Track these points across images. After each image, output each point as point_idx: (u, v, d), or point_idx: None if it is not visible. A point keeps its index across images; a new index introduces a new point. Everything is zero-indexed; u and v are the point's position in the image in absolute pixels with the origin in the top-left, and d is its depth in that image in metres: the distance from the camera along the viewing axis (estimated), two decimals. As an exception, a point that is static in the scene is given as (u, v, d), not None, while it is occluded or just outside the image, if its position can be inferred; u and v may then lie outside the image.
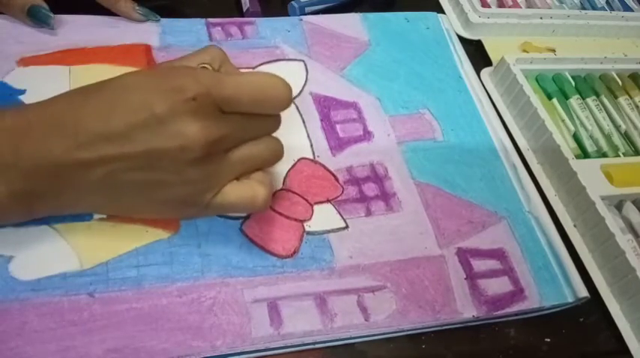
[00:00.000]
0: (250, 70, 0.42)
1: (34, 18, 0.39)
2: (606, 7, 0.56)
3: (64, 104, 0.27)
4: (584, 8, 0.56)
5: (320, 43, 0.45)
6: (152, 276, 0.31)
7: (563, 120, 0.45)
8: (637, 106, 0.48)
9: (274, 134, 0.31)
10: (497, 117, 0.45)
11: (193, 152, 0.27)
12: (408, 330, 0.32)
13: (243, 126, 0.29)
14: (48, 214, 0.30)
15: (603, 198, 0.38)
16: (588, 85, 0.48)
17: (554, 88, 0.47)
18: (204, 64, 0.31)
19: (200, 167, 0.28)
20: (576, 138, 0.45)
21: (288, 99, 0.29)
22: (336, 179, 0.38)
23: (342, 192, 0.37)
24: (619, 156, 0.44)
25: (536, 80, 0.48)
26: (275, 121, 0.31)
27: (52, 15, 0.39)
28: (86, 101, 0.27)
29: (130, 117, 0.26)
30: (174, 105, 0.26)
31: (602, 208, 0.37)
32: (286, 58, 0.44)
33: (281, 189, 0.36)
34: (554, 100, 0.46)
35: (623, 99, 0.48)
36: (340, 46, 0.46)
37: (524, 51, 0.50)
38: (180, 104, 0.26)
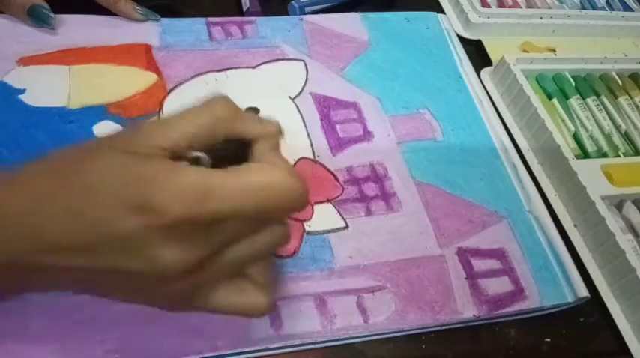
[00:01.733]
0: (250, 69, 0.42)
1: (35, 17, 0.39)
2: (606, 7, 0.56)
3: (28, 198, 0.22)
4: (584, 8, 0.56)
5: (320, 43, 0.45)
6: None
7: (563, 120, 0.45)
8: (637, 106, 0.48)
9: None
10: (497, 117, 0.45)
11: (169, 275, 0.22)
12: (407, 331, 0.32)
13: (240, 233, 0.23)
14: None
15: (603, 198, 0.38)
16: (588, 84, 0.48)
17: (554, 87, 0.47)
18: (202, 137, 0.24)
19: (181, 281, 0.23)
20: (576, 138, 0.45)
21: (302, 205, 0.24)
22: (336, 179, 0.38)
23: (342, 191, 0.37)
24: (619, 156, 0.44)
25: (536, 80, 0.48)
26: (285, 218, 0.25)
27: (52, 15, 0.39)
28: (50, 201, 0.22)
29: (95, 230, 0.21)
30: (145, 230, 0.21)
31: (602, 208, 0.37)
32: (286, 57, 0.44)
33: (281, 189, 0.36)
34: (554, 100, 0.46)
35: (623, 99, 0.48)
36: (340, 46, 0.45)
37: (524, 51, 0.50)
38: (153, 230, 0.21)
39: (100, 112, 0.37)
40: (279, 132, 0.26)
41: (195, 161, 0.23)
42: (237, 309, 0.25)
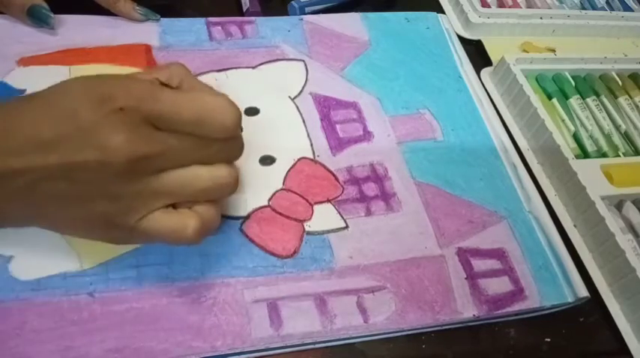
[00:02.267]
0: (250, 69, 0.42)
1: (34, 18, 0.39)
2: (606, 7, 0.56)
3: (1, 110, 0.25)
4: (584, 8, 0.56)
5: (320, 43, 0.45)
6: (152, 276, 0.31)
7: (563, 120, 0.45)
8: (637, 106, 0.48)
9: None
10: (497, 117, 0.45)
11: (114, 166, 0.24)
12: (407, 331, 0.32)
13: (182, 148, 0.26)
14: None
15: (603, 198, 0.38)
16: (588, 84, 0.48)
17: (554, 87, 0.47)
18: (158, 79, 0.28)
19: (124, 184, 0.25)
20: (576, 138, 0.45)
21: (232, 125, 0.27)
22: (336, 179, 0.38)
23: (342, 191, 0.37)
24: (619, 156, 0.44)
25: (536, 80, 0.48)
26: (228, 147, 0.28)
27: (52, 15, 0.39)
28: (22, 107, 0.25)
29: (58, 126, 0.24)
30: (100, 115, 0.24)
31: (602, 208, 0.37)
32: (286, 57, 0.44)
33: (281, 189, 0.36)
34: (554, 100, 0.46)
35: (623, 99, 0.48)
36: (340, 46, 0.46)
37: (524, 51, 0.50)
38: (106, 114, 0.24)
39: (100, 112, 0.37)
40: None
41: None
42: (170, 229, 0.27)
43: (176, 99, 0.26)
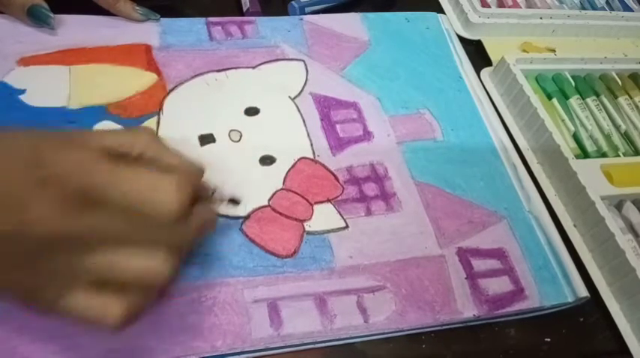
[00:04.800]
0: (250, 69, 0.42)
1: (34, 18, 0.39)
2: (606, 7, 0.56)
3: None
4: (584, 8, 0.56)
5: (320, 43, 0.45)
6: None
7: (563, 120, 0.45)
8: (637, 106, 0.48)
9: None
10: (497, 117, 0.45)
11: (31, 240, 0.22)
12: (407, 330, 0.32)
13: (114, 229, 0.23)
14: None
15: (603, 198, 0.38)
16: (588, 85, 0.48)
17: (554, 88, 0.47)
18: (112, 147, 0.25)
19: (42, 260, 0.23)
20: (576, 138, 0.45)
21: (172, 209, 0.24)
22: (337, 179, 0.38)
23: (342, 191, 0.37)
24: (619, 156, 0.44)
25: (536, 80, 0.48)
26: (172, 233, 0.25)
27: (52, 15, 0.39)
28: None
29: None
30: (27, 181, 0.22)
31: (602, 208, 0.37)
32: (286, 57, 0.44)
33: (281, 189, 0.36)
34: (554, 100, 0.46)
35: (623, 99, 0.48)
36: (340, 46, 0.46)
37: (524, 51, 0.50)
38: (34, 181, 0.22)
39: (100, 112, 0.37)
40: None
41: None
42: (90, 314, 0.24)
43: (113, 175, 0.23)
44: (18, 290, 0.24)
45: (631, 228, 0.40)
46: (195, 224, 0.26)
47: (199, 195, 0.28)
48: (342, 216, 0.36)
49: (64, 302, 0.24)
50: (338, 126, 0.41)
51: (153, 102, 0.38)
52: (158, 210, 0.24)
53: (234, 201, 0.33)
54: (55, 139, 0.24)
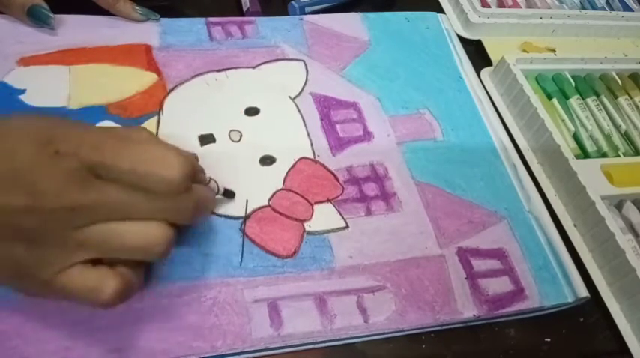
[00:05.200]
0: (250, 69, 0.42)
1: (34, 18, 0.39)
2: (606, 7, 0.56)
3: None
4: (584, 8, 0.56)
5: (320, 43, 0.45)
6: (152, 276, 0.31)
7: (563, 120, 0.45)
8: (637, 106, 0.48)
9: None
10: (497, 117, 0.45)
11: (42, 213, 0.23)
12: (407, 331, 0.32)
13: (121, 201, 0.24)
14: None
15: (603, 198, 0.38)
16: (588, 85, 0.48)
17: (554, 88, 0.47)
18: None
19: (48, 232, 0.23)
20: (576, 138, 0.45)
21: (176, 179, 0.25)
22: (337, 179, 0.38)
23: (343, 191, 0.37)
24: (619, 156, 0.44)
25: (536, 80, 0.48)
26: (173, 205, 0.26)
27: (52, 15, 0.39)
28: None
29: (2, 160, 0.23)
30: (37, 158, 0.23)
31: (602, 208, 0.37)
32: (286, 57, 0.44)
33: (281, 189, 0.36)
34: (554, 100, 0.46)
35: (623, 99, 0.48)
36: (340, 46, 0.46)
37: (524, 51, 0.50)
38: (44, 157, 0.23)
39: (100, 112, 0.37)
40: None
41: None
42: (85, 289, 0.25)
43: (119, 148, 0.24)
44: (16, 267, 0.24)
45: (631, 228, 0.40)
46: (195, 199, 0.27)
47: (198, 179, 0.30)
48: (342, 216, 0.36)
49: (60, 279, 0.24)
50: (338, 126, 0.41)
51: (153, 102, 0.38)
52: (164, 180, 0.25)
53: (228, 194, 0.34)
54: (67, 121, 0.25)
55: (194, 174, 0.27)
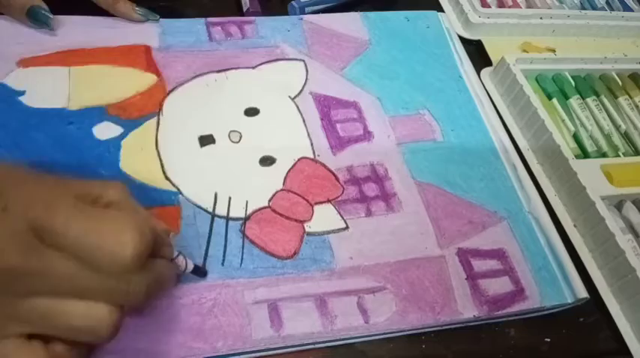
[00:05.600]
0: (250, 69, 0.42)
1: (34, 19, 0.39)
2: (606, 7, 0.56)
3: None
4: (584, 8, 0.56)
5: (320, 43, 0.45)
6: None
7: (563, 120, 0.45)
8: (637, 106, 0.48)
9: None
10: (497, 117, 0.45)
11: None
12: (408, 331, 0.32)
13: (64, 273, 0.22)
14: None
15: (603, 198, 0.38)
16: (588, 85, 0.48)
17: (554, 88, 0.47)
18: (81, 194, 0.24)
19: None
20: (576, 138, 0.45)
21: (125, 258, 0.22)
22: (337, 179, 0.38)
23: (343, 192, 0.37)
24: (619, 156, 0.44)
25: (536, 80, 0.48)
26: (122, 285, 0.23)
27: (51, 16, 0.39)
28: None
29: None
30: None
31: (602, 208, 0.37)
32: (286, 57, 0.44)
33: (281, 190, 0.36)
34: (554, 100, 0.46)
35: (623, 99, 0.48)
36: (340, 46, 0.45)
37: (524, 51, 0.50)
38: None
39: (99, 113, 0.37)
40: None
41: None
42: None
43: (73, 213, 0.22)
44: None
45: (631, 228, 0.40)
46: (149, 281, 0.24)
47: (161, 253, 0.27)
48: (343, 217, 0.36)
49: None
50: (338, 126, 0.41)
51: (152, 103, 0.38)
52: (112, 257, 0.22)
53: (198, 272, 0.31)
54: (24, 174, 0.23)
55: (151, 251, 0.24)
